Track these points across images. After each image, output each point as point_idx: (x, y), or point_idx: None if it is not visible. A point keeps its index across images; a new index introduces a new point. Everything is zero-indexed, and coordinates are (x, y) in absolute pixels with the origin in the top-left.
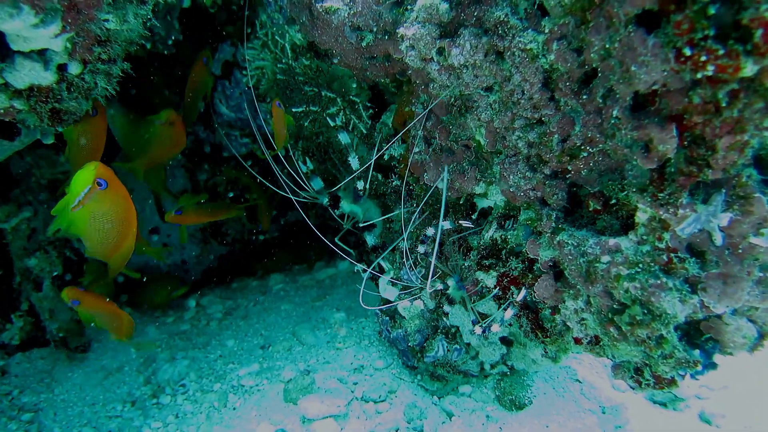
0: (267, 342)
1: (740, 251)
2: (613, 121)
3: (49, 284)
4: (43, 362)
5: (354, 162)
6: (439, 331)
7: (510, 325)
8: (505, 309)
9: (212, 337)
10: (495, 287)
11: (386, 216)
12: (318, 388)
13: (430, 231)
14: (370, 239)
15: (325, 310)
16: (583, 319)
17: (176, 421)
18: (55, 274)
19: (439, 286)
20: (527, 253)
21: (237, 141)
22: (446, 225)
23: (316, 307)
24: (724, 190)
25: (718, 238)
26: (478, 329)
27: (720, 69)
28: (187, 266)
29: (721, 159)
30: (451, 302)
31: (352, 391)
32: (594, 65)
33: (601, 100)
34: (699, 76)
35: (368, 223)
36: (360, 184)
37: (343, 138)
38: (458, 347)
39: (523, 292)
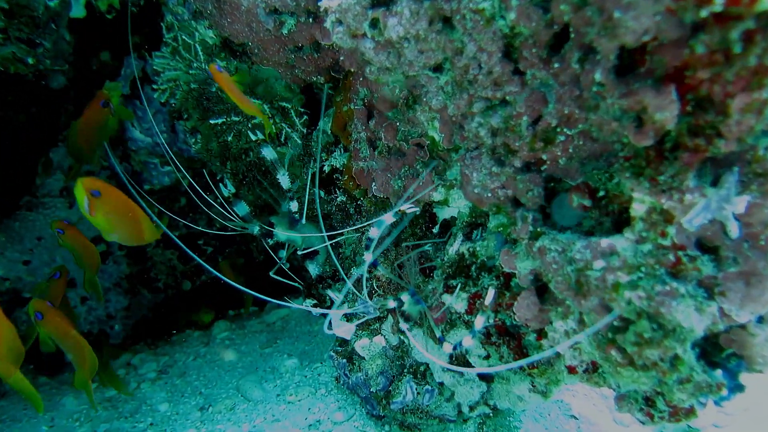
0: (207, 402)
1: (762, 243)
2: (595, 90)
3: None
4: None
5: (284, 180)
6: (405, 370)
7: (484, 342)
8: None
9: (143, 402)
10: (466, 312)
11: (332, 241)
12: None
13: (374, 232)
14: (313, 268)
15: (274, 357)
16: (576, 342)
17: None
18: None
19: (392, 303)
20: (502, 267)
21: (157, 170)
22: (388, 219)
23: (265, 354)
24: (737, 168)
25: (734, 229)
26: (447, 346)
27: (731, 1)
28: (113, 321)
29: (735, 125)
30: (408, 319)
31: None
32: (566, 19)
33: (577, 66)
34: (703, 14)
35: (309, 250)
36: (293, 206)
37: (268, 153)
38: (429, 388)
39: (492, 293)
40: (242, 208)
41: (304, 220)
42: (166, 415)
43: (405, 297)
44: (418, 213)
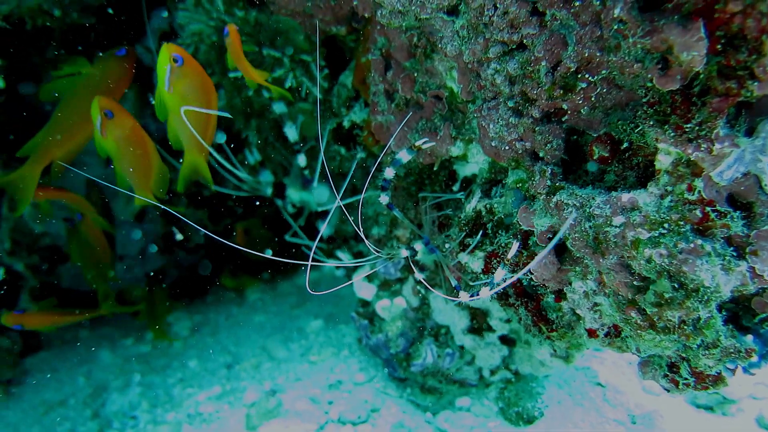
0: (234, 360)
1: None
2: (615, 27)
3: None
4: None
5: (291, 133)
6: (426, 333)
7: (503, 303)
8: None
9: (174, 359)
10: (482, 272)
11: (349, 200)
12: (285, 410)
13: (389, 172)
14: (326, 229)
15: (302, 318)
16: (596, 304)
17: None
18: None
19: (405, 252)
20: (519, 224)
21: None
22: (404, 157)
23: (294, 315)
24: None
25: None
26: (463, 295)
27: None
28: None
29: None
30: (423, 269)
31: (327, 413)
32: None
33: (598, 2)
34: None
35: (323, 209)
36: (301, 160)
37: (278, 108)
38: (450, 351)
39: (516, 245)
40: (266, 176)
41: (316, 181)
42: (195, 372)
43: (418, 246)
44: (433, 144)
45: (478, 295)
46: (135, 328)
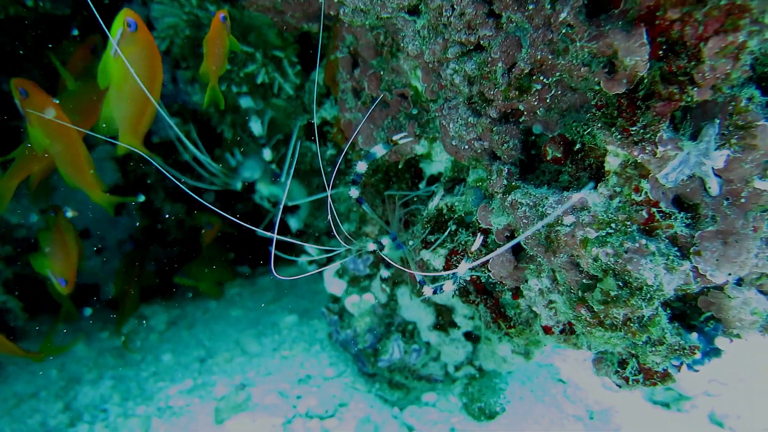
0: (208, 354)
1: (743, 200)
2: (564, 31)
3: None
4: None
5: (256, 127)
6: (393, 328)
7: (464, 300)
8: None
9: (149, 352)
10: (444, 269)
11: (315, 197)
12: (254, 404)
13: (361, 166)
14: (294, 223)
15: (277, 313)
16: (550, 301)
17: None
18: None
19: (372, 246)
20: (479, 223)
21: (163, 122)
22: (379, 152)
23: (269, 311)
24: (717, 121)
25: (714, 186)
26: (427, 290)
27: None
28: None
29: (709, 71)
30: (389, 265)
31: (294, 407)
32: None
33: (549, 6)
34: None
35: (293, 204)
36: (267, 153)
37: (244, 102)
38: (417, 347)
39: (480, 238)
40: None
41: (284, 176)
42: (168, 365)
43: (385, 240)
44: (411, 141)
45: (442, 289)
46: (112, 321)
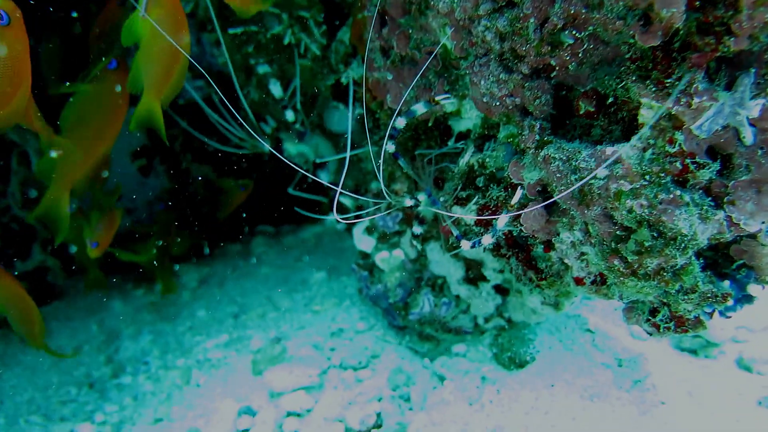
0: (241, 310)
1: None
2: None
3: None
4: None
5: (276, 89)
6: (423, 283)
7: (495, 254)
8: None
9: (183, 308)
10: (475, 224)
11: (341, 155)
12: (290, 356)
13: (400, 122)
14: (325, 176)
15: (305, 270)
16: (582, 253)
17: (134, 403)
18: None
19: (409, 201)
20: (510, 178)
21: (189, 83)
22: (420, 110)
23: (297, 268)
24: (753, 70)
25: (749, 135)
26: (465, 243)
27: None
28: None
29: (747, 20)
30: (422, 222)
31: (329, 358)
32: None
33: None
34: None
35: (322, 160)
36: (289, 115)
37: (261, 69)
38: (446, 300)
39: (519, 192)
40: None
41: (309, 132)
42: (203, 321)
43: (421, 196)
44: (453, 103)
45: (480, 243)
46: (145, 279)
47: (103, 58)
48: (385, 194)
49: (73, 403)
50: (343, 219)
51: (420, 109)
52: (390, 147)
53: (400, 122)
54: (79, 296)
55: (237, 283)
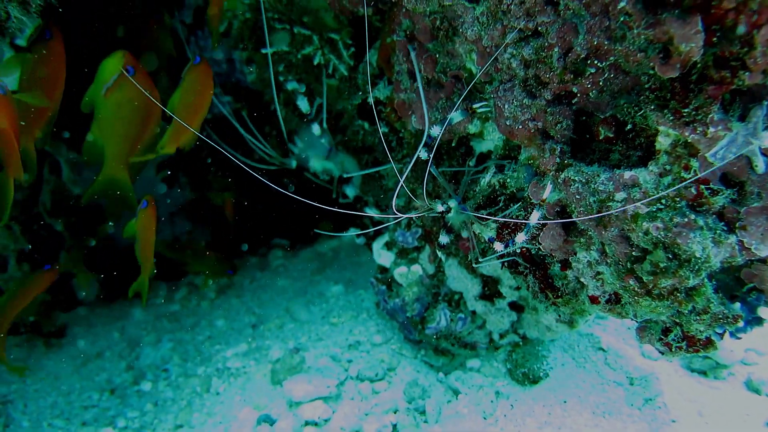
0: (259, 320)
1: None
2: (622, 19)
3: (15, 263)
4: (18, 350)
5: (303, 104)
6: (440, 298)
7: (513, 272)
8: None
9: (202, 317)
10: (497, 238)
11: (369, 170)
12: (308, 367)
13: (435, 130)
14: (350, 190)
15: (322, 283)
16: (598, 273)
17: (154, 409)
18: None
19: (440, 207)
20: (530, 198)
21: (218, 98)
22: (457, 118)
23: (314, 281)
24: (766, 103)
25: (761, 164)
26: (498, 245)
27: None
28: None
29: (761, 57)
30: (450, 231)
31: (346, 370)
32: None
33: None
34: None
35: (348, 176)
36: (315, 129)
37: (290, 85)
38: (462, 316)
39: (549, 187)
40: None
41: (335, 149)
42: (222, 330)
43: (453, 203)
44: (489, 110)
45: (514, 242)
46: (163, 288)
47: None
48: (423, 198)
49: (94, 408)
50: (359, 235)
51: (457, 117)
52: (424, 154)
53: (436, 130)
54: (101, 304)
55: (255, 294)
